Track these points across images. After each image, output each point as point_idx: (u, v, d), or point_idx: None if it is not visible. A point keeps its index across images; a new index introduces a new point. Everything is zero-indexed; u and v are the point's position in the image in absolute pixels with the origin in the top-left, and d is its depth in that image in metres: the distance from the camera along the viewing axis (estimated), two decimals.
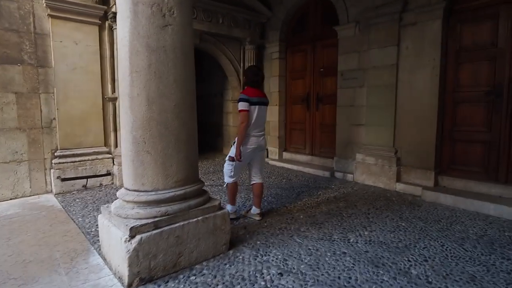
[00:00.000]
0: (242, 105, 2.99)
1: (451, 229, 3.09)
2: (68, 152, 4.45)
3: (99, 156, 4.71)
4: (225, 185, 3.38)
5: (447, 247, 2.69)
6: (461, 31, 3.95)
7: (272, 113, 6.63)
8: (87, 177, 4.62)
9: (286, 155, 6.57)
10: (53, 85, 4.28)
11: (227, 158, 3.25)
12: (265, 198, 4.07)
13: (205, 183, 4.86)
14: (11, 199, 4.16)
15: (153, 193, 2.23)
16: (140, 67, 2.11)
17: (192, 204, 2.35)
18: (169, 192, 2.26)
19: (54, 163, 4.33)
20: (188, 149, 2.37)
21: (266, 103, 3.19)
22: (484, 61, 3.77)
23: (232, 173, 3.21)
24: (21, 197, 4.24)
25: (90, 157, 4.64)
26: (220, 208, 2.57)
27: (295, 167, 5.90)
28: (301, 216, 3.43)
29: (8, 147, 4.10)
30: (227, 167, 3.23)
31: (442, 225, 3.18)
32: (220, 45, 6.06)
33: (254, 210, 3.38)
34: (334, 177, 5.25)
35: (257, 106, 3.05)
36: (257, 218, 3.31)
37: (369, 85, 4.74)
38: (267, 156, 6.70)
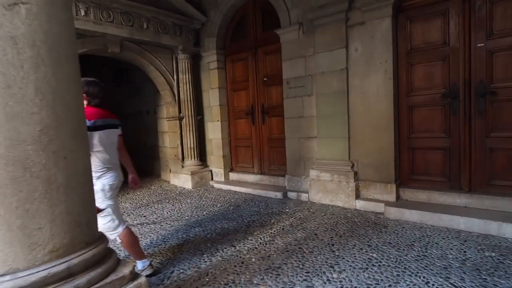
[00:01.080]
0: None
1: (428, 255, 2.65)
2: None
3: None
4: (118, 242, 2.53)
5: (432, 284, 2.20)
6: (411, 30, 3.70)
7: (214, 130, 5.93)
8: None
9: (233, 175, 5.88)
10: None
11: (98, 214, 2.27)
12: (208, 236, 3.31)
13: (134, 223, 4.02)
14: None
15: (7, 277, 1.36)
16: None
17: (82, 284, 1.51)
18: (37, 272, 1.40)
19: None
20: (72, 198, 1.55)
21: (116, 126, 2.54)
22: (437, 61, 3.53)
23: (116, 221, 2.39)
24: None
25: None
26: (134, 277, 1.76)
27: (243, 190, 5.23)
28: (253, 259, 2.74)
29: None
30: (104, 220, 2.34)
31: (418, 252, 2.73)
32: (147, 54, 5.23)
33: (141, 265, 2.51)
34: (288, 198, 4.68)
35: (104, 131, 2.36)
36: (149, 272, 2.51)
37: (318, 93, 4.31)
38: (212, 179, 5.93)
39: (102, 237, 1.78)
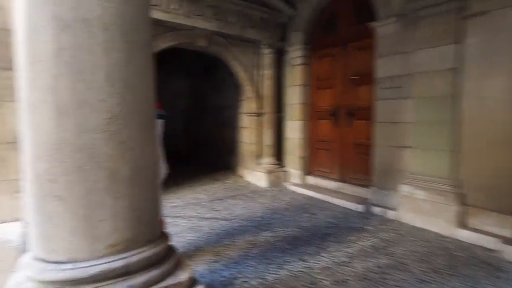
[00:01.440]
0: None
1: None
2: None
3: None
4: None
5: None
6: None
7: (294, 129, 5.67)
8: None
9: (309, 179, 5.54)
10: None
11: None
12: (277, 244, 3.08)
13: (206, 216, 4.07)
14: None
15: (69, 266, 1.34)
16: (42, 54, 1.26)
17: (137, 284, 1.42)
18: (96, 265, 1.36)
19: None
20: (137, 193, 1.47)
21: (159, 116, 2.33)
22: None
23: None
24: None
25: None
26: (192, 284, 1.63)
27: (320, 196, 4.85)
28: (326, 282, 2.40)
29: None
30: None
31: None
32: (231, 48, 5.24)
33: None
34: (371, 213, 4.14)
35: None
36: None
37: (417, 95, 3.67)
38: (287, 180, 5.69)
39: (165, 236, 1.68)
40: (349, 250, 2.98)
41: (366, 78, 4.49)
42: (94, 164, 1.34)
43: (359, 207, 4.26)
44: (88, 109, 1.31)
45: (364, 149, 4.56)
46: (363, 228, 3.59)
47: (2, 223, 3.66)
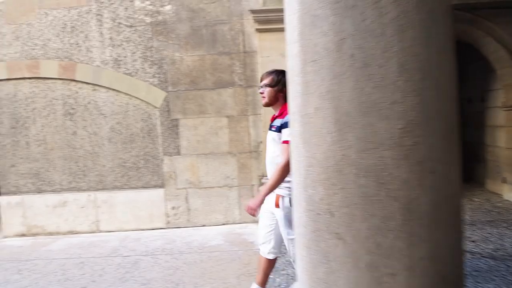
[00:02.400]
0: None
1: None
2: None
3: None
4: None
5: None
6: None
7: None
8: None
9: None
10: (260, 106, 3.99)
11: (289, 232, 1.94)
12: None
13: (468, 252, 3.06)
14: (223, 224, 4.18)
15: None
16: (317, 52, 1.00)
17: None
18: None
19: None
20: (438, 236, 1.00)
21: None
22: None
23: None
24: (231, 223, 4.19)
25: None
26: None
27: None
28: None
29: (222, 171, 4.14)
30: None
31: None
32: (483, 22, 3.99)
33: None
34: None
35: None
36: None
37: None
38: None
39: None
40: None
41: None
42: (383, 192, 0.97)
43: None
44: (375, 116, 0.95)
45: None
46: None
47: (243, 223, 4.22)
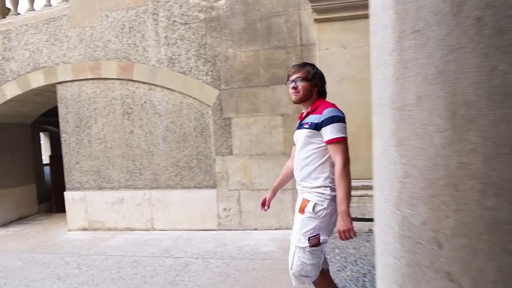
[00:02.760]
0: (343, 129, 1.72)
1: None
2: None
3: (369, 192, 3.63)
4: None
5: None
6: None
7: None
8: (352, 219, 3.67)
9: None
10: None
11: (300, 239, 1.73)
12: None
13: None
14: (276, 228, 3.97)
15: None
16: (426, 15, 0.72)
17: None
18: None
19: None
20: None
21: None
22: None
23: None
24: (284, 228, 3.96)
25: (358, 192, 3.67)
26: None
27: None
28: None
29: (275, 173, 3.92)
30: (308, 256, 1.72)
31: None
32: None
33: None
34: None
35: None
36: None
37: None
38: None
39: None
40: None
41: None
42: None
43: None
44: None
45: None
46: None
47: None
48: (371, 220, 3.60)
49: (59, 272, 3.12)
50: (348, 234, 1.61)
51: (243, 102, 3.91)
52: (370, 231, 3.62)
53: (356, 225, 3.63)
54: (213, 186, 4.09)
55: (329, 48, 3.61)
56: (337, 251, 3.16)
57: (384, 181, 0.89)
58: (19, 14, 4.73)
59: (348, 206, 1.63)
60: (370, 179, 3.56)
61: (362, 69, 3.57)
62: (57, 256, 3.58)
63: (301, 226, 1.73)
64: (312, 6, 3.54)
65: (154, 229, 4.29)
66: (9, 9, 4.81)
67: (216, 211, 4.10)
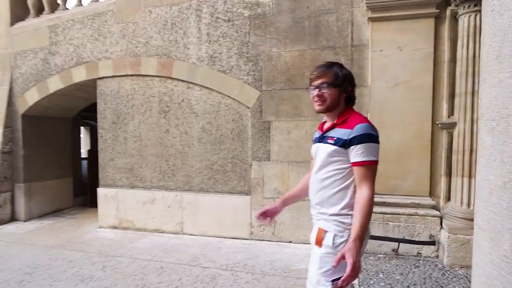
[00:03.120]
0: (376, 152, 1.42)
1: None
2: (377, 199, 3.35)
3: (420, 211, 3.24)
4: None
5: None
6: None
7: None
8: (399, 240, 3.28)
9: None
10: (366, 109, 3.37)
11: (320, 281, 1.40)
12: None
13: None
14: None
15: None
16: None
17: None
18: None
19: None
20: None
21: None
22: None
23: None
24: None
25: (406, 210, 3.29)
26: None
27: None
28: None
29: None
30: None
31: None
32: None
33: None
34: None
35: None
36: None
37: None
38: None
39: None
40: None
41: None
42: None
43: None
44: None
45: None
46: None
47: None
48: (421, 243, 3.20)
49: (83, 273, 3.01)
50: (357, 270, 1.24)
51: (285, 105, 3.66)
52: (419, 254, 3.22)
53: (404, 247, 3.26)
54: (247, 193, 3.86)
55: (383, 49, 3.29)
56: (381, 275, 2.81)
57: (504, 229, 0.60)
58: (67, 9, 4.83)
59: (360, 240, 1.30)
60: (421, 196, 3.18)
61: (420, 74, 3.21)
62: (84, 254, 3.49)
63: (320, 264, 1.41)
64: (367, 3, 3.24)
65: (184, 233, 4.12)
66: (58, 4, 4.93)
67: (249, 219, 3.86)
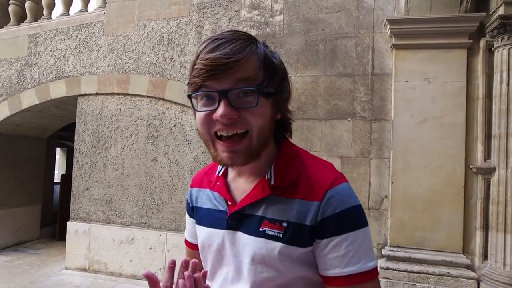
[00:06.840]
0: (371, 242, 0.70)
1: None
2: (401, 253, 2.87)
3: (453, 271, 2.75)
4: None
5: None
6: None
7: None
8: None
9: None
10: (389, 147, 2.96)
11: None
12: None
13: None
14: None
15: None
16: None
17: None
18: None
19: (381, 267, 2.87)
20: None
21: None
22: None
23: None
24: None
25: (436, 269, 2.80)
26: None
27: None
28: None
29: None
30: None
31: None
32: None
33: None
34: None
35: None
36: None
37: None
38: None
39: None
40: None
41: None
42: None
43: None
44: None
45: None
46: None
47: None
48: None
49: None
50: None
51: (293, 137, 3.22)
52: None
53: None
54: None
55: (408, 80, 2.93)
56: None
57: None
58: (50, 18, 4.39)
59: None
60: (453, 252, 2.68)
61: (451, 110, 2.85)
62: None
63: None
64: (391, 28, 2.91)
65: None
66: (43, 14, 4.49)
67: None
